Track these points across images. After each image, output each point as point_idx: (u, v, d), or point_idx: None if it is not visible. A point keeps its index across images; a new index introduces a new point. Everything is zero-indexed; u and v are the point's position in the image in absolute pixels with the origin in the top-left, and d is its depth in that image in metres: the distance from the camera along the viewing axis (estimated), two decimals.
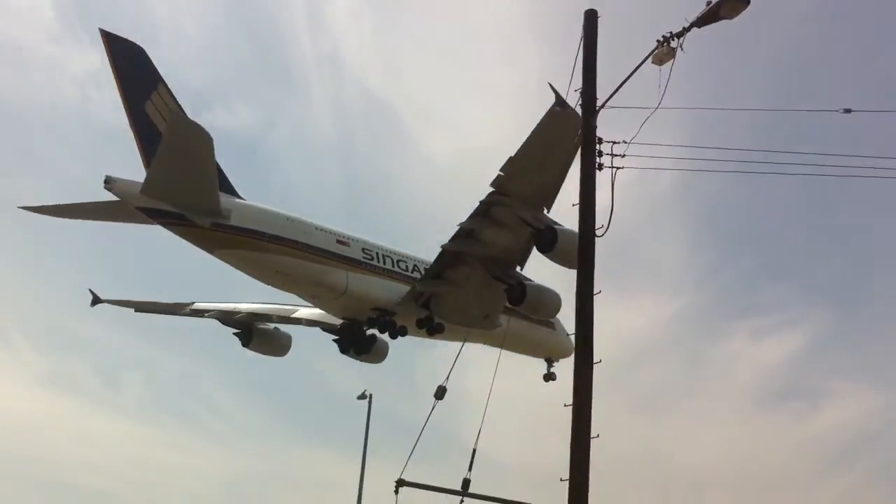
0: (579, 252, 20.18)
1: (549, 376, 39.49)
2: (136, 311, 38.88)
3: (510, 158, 26.94)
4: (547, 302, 32.56)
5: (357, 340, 36.21)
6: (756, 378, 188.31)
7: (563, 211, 21.26)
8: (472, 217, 29.90)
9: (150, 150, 28.57)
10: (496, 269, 31.80)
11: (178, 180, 28.19)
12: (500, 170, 27.41)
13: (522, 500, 19.86)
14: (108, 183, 28.77)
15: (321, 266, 32.30)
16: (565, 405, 19.22)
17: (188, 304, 37.76)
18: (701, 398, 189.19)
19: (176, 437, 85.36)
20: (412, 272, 34.79)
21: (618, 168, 21.60)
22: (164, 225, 30.11)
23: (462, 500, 20.57)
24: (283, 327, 38.19)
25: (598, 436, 18.59)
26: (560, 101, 23.06)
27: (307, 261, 31.98)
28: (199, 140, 27.22)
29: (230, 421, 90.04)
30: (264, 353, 37.54)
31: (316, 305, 35.67)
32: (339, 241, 33.13)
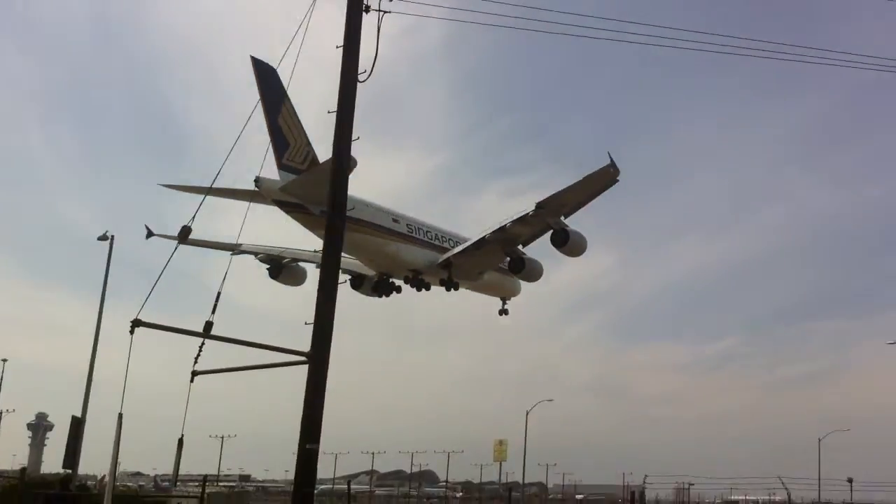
0: (340, 95, 19.74)
1: (504, 311, 50.39)
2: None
3: (556, 194, 37.28)
4: (537, 270, 43.78)
5: (386, 287, 45.99)
6: None
7: (329, 57, 20.61)
8: (514, 222, 39.77)
9: (281, 153, 36.59)
10: (508, 248, 42.19)
11: (311, 187, 35.30)
12: (547, 199, 37.57)
13: (266, 343, 19.65)
14: (258, 182, 36.18)
15: (382, 240, 41.63)
16: (315, 251, 19.02)
17: (238, 245, 41.98)
18: None
19: None
20: (442, 242, 44.61)
21: (385, 12, 21.04)
22: (285, 210, 37.92)
23: (203, 343, 20.04)
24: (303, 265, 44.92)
25: (345, 281, 18.68)
26: (613, 165, 34.53)
27: (375, 236, 41.16)
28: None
29: None
30: (287, 283, 44.31)
31: (367, 265, 44.45)
32: (393, 220, 42.52)
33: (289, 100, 35.93)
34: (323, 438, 18.93)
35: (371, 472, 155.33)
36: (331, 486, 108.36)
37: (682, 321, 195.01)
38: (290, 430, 18.51)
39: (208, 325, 20.12)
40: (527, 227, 40.12)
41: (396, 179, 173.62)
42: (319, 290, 19.03)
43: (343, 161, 19.80)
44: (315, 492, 20.91)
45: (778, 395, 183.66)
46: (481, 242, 42.01)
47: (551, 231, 39.16)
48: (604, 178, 35.36)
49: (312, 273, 43.38)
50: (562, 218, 38.65)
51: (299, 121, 36.57)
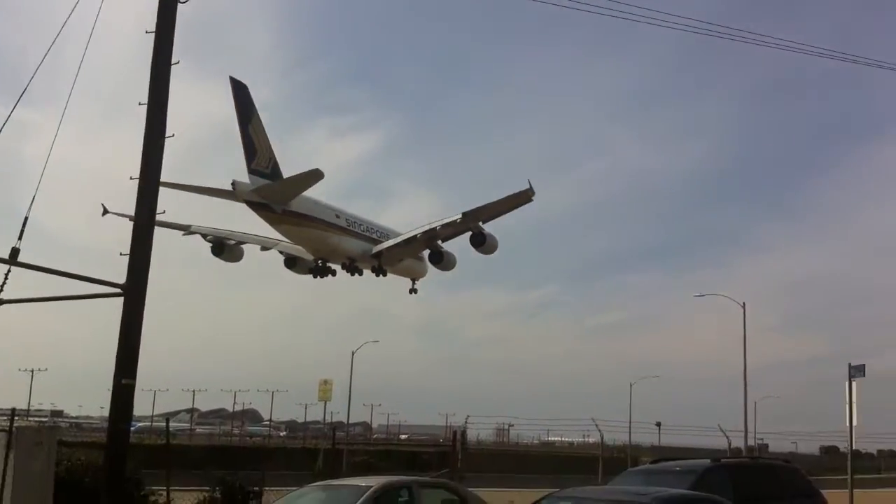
0: (158, 16, 18.45)
1: (414, 290, 55.20)
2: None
3: (480, 207, 43.47)
4: (452, 262, 49.01)
5: (322, 271, 50.66)
6: (332, 174, 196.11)
7: None
8: (443, 226, 45.39)
9: (250, 159, 42.46)
10: (431, 243, 47.58)
11: (280, 192, 42.94)
12: (473, 210, 43.52)
13: (81, 273, 18.35)
14: (234, 185, 42.31)
15: (326, 233, 46.77)
16: (131, 178, 17.86)
17: (189, 226, 47.73)
18: None
19: None
20: (375, 235, 49.52)
21: None
22: (253, 209, 43.56)
23: (9, 270, 18.51)
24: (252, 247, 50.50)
25: (164, 212, 17.74)
26: (531, 190, 40.63)
27: (319, 230, 46.32)
28: (314, 176, 42.07)
29: None
30: (226, 260, 49.13)
31: (310, 252, 49.35)
32: (335, 216, 47.50)
33: (257, 113, 43.12)
34: (141, 375, 18.03)
35: (192, 411, 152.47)
36: (149, 423, 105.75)
37: (504, 268, 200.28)
38: (106, 365, 17.50)
39: (14, 251, 18.63)
40: (451, 229, 46.17)
41: (220, 111, 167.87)
42: (136, 219, 17.87)
43: (162, 85, 18.48)
44: (132, 429, 20.02)
45: (594, 342, 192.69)
46: (412, 239, 48.37)
47: (471, 233, 45.09)
48: (521, 199, 41.56)
49: (250, 252, 49.66)
50: (480, 223, 44.72)
51: (265, 131, 43.36)
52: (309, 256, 51.35)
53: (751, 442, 54.99)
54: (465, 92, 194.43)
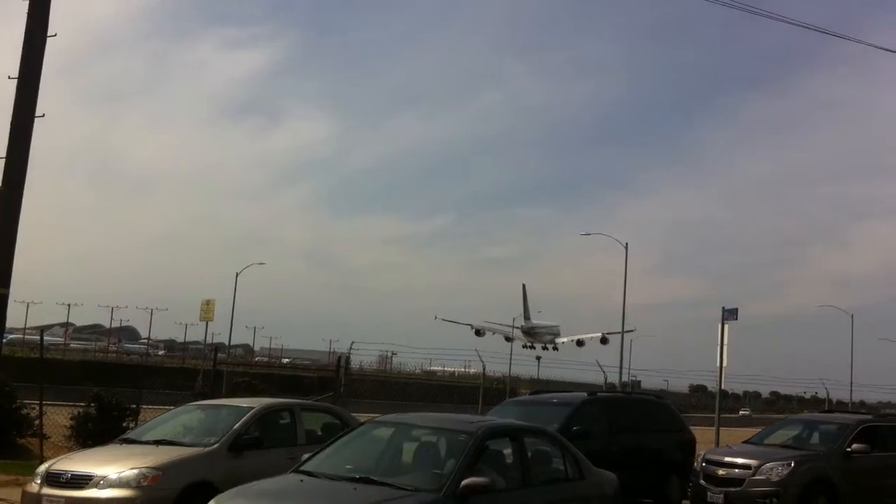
0: None
1: None
2: None
3: None
4: None
5: None
6: (221, 88, 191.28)
7: None
8: None
9: None
10: None
11: None
12: None
13: None
14: None
15: None
16: (10, 77, 16.99)
17: None
18: (162, 100, 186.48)
19: None
20: None
21: None
22: None
23: None
24: None
25: (43, 115, 16.94)
26: None
27: None
28: None
29: None
30: None
31: None
32: None
33: None
34: (13, 285, 17.40)
35: (66, 325, 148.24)
36: (21, 335, 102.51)
37: (396, 196, 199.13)
38: None
39: None
40: None
41: (105, 9, 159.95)
42: (14, 118, 16.98)
43: None
44: (4, 341, 19.32)
45: (483, 273, 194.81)
46: None
47: None
48: None
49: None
50: None
51: None
52: None
53: (626, 378, 57.06)
54: (363, 13, 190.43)
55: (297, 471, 8.56)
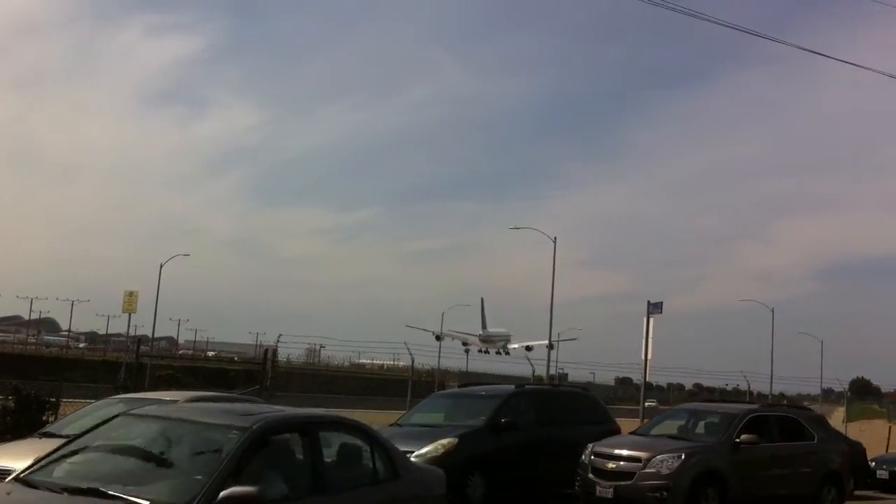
0: None
1: None
2: None
3: None
4: None
5: None
6: (145, 75, 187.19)
7: None
8: None
9: None
10: None
11: None
12: None
13: None
14: None
15: None
16: None
17: None
18: (85, 85, 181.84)
19: None
20: None
21: None
22: None
23: None
24: None
25: None
26: None
27: None
28: None
29: None
30: None
31: None
32: None
33: None
34: None
35: None
36: None
37: (325, 187, 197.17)
38: None
39: None
40: None
41: None
42: None
43: None
44: None
45: (412, 267, 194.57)
46: None
47: None
48: None
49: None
50: None
51: None
52: None
53: (553, 371, 57.63)
54: (289, 1, 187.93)
55: (16, 478, 6.85)
